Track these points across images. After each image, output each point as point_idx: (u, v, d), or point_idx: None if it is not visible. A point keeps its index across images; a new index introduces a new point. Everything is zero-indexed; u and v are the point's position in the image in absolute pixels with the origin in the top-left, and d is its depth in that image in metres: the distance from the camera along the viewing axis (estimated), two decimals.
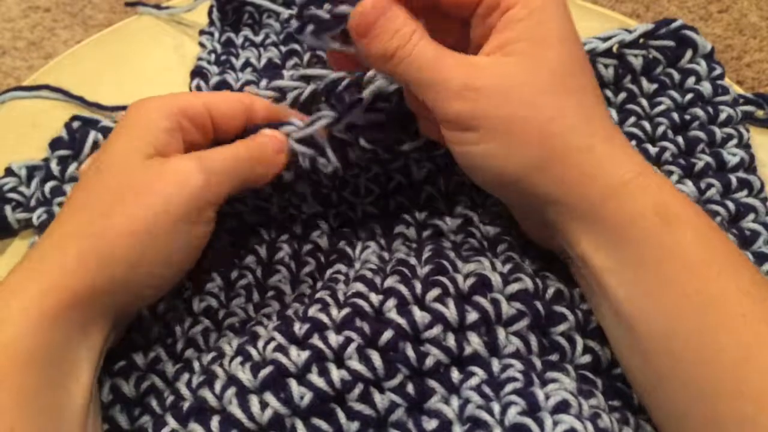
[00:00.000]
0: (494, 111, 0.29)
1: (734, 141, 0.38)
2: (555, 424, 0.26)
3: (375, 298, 0.30)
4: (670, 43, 0.40)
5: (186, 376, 0.31)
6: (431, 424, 0.28)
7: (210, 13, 0.50)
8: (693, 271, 0.26)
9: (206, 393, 0.28)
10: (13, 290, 0.27)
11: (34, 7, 0.70)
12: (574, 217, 0.29)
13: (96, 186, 0.30)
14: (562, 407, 0.27)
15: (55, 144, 0.41)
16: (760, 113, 0.42)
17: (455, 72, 0.29)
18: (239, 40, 0.49)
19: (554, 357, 0.30)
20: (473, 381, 0.28)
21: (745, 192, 0.37)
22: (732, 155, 0.38)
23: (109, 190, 0.30)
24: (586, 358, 0.30)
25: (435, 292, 0.30)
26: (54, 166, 0.40)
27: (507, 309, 0.30)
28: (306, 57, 0.47)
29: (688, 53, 0.40)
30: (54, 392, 0.26)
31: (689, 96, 0.40)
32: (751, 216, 0.36)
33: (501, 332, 0.30)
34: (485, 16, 0.30)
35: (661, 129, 0.39)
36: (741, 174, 0.37)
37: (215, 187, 0.31)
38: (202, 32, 0.50)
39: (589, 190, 0.28)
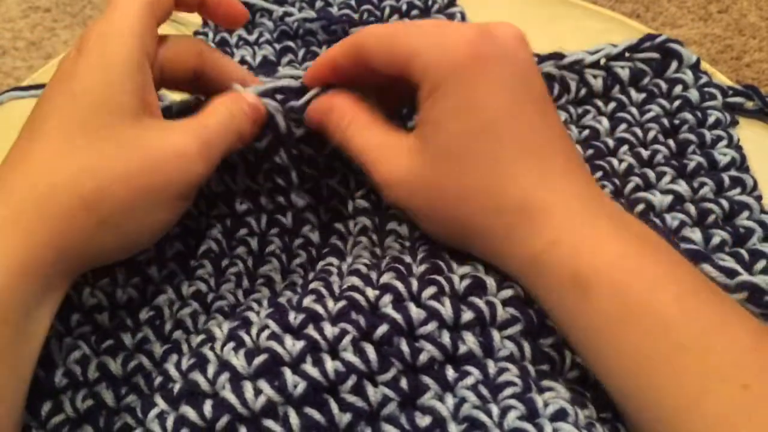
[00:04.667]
0: (408, 201, 0.32)
1: (724, 142, 0.39)
2: (554, 431, 0.26)
3: (371, 292, 0.30)
4: (655, 55, 0.42)
5: (174, 357, 0.30)
6: (425, 420, 0.27)
7: None
8: (614, 334, 0.27)
9: (198, 377, 0.28)
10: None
11: (34, 7, 0.71)
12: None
13: (78, 127, 0.29)
14: (561, 415, 0.27)
15: None
16: (749, 104, 0.43)
17: (377, 166, 0.32)
18: (233, 40, 0.49)
19: (545, 367, 0.30)
20: (469, 380, 0.28)
21: (738, 190, 0.37)
22: (723, 155, 0.38)
23: (95, 144, 0.28)
24: (574, 373, 0.30)
25: (431, 290, 0.30)
26: None
27: (502, 312, 0.30)
28: (300, 53, 0.48)
29: (674, 64, 0.41)
30: (21, 346, 0.27)
31: (677, 102, 0.41)
32: (745, 213, 0.36)
33: (496, 334, 0.29)
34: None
35: (651, 134, 0.40)
36: (733, 172, 0.38)
37: (211, 166, 0.31)
38: (196, 33, 0.50)
39: (508, 262, 0.30)
